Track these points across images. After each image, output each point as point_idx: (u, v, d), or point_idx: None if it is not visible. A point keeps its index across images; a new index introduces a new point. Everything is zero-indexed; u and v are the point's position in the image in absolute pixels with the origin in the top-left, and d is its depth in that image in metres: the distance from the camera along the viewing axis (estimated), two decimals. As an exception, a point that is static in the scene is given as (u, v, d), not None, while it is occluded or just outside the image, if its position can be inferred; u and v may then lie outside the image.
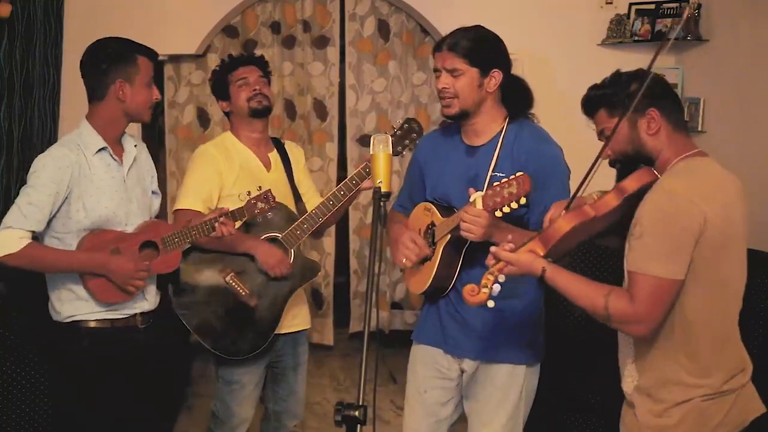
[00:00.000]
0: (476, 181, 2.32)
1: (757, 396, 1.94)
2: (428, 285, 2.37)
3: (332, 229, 4.93)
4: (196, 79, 4.77)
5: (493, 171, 2.30)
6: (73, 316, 2.35)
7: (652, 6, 4.36)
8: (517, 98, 2.38)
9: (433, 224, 2.38)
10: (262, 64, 2.90)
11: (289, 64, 4.79)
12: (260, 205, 2.51)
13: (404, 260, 2.36)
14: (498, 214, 2.08)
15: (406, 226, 2.50)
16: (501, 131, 2.34)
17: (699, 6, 4.14)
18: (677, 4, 4.29)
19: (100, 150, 2.36)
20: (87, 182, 2.31)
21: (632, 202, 1.86)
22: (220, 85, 2.88)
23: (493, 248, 1.91)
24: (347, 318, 5.17)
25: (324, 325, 5.01)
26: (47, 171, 2.26)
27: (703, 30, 4.14)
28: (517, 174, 2.06)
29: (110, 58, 2.34)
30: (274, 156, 2.92)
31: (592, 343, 3.44)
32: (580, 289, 1.86)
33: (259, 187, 2.55)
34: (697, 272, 1.79)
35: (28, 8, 3.75)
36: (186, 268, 2.75)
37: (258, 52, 4.72)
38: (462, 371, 2.44)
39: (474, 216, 2.10)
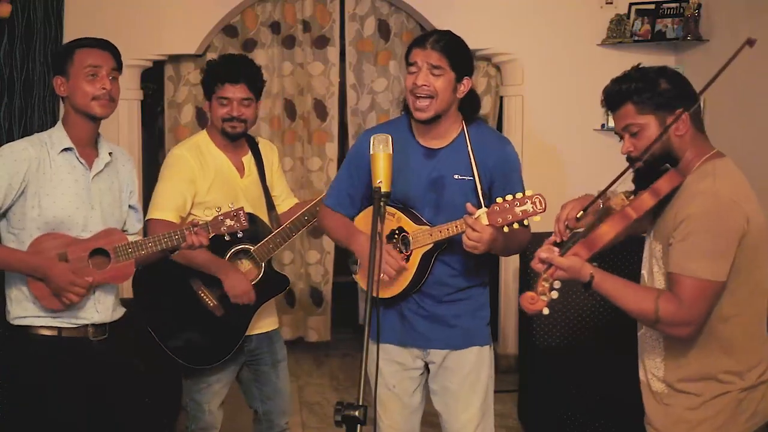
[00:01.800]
0: (440, 184, 2.34)
1: None
2: (401, 291, 2.37)
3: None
4: (195, 79, 4.75)
5: (474, 176, 2.31)
6: (22, 317, 2.30)
7: (652, 6, 4.37)
8: (470, 103, 2.40)
9: (401, 230, 2.36)
10: (252, 81, 2.73)
11: (289, 64, 4.79)
12: (228, 222, 2.41)
13: (384, 276, 2.29)
14: (506, 230, 2.14)
15: (357, 228, 2.43)
16: (462, 134, 2.36)
17: (699, 6, 4.14)
18: (677, 4, 4.30)
19: (65, 150, 2.31)
20: (45, 180, 2.26)
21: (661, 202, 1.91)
22: (206, 86, 2.77)
23: (543, 254, 1.91)
24: (347, 317, 5.20)
25: (322, 323, 5.03)
26: (3, 162, 2.23)
27: (703, 30, 4.15)
28: (529, 193, 2.11)
29: (54, 57, 2.33)
30: (248, 160, 2.84)
31: (594, 343, 3.44)
32: (628, 294, 1.89)
33: (231, 203, 2.45)
34: (737, 272, 1.83)
35: (28, 8, 3.75)
36: (155, 274, 2.70)
37: (258, 52, 4.73)
38: (427, 364, 2.47)
39: (479, 233, 2.13)
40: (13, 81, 3.65)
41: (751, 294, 1.89)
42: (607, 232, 1.89)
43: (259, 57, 4.73)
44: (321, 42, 4.79)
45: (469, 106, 2.39)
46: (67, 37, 4.10)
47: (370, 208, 2.42)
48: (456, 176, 2.33)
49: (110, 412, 2.41)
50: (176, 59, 4.70)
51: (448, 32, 2.35)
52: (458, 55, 2.30)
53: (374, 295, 1.68)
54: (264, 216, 2.82)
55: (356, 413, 1.51)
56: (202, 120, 4.80)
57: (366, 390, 1.57)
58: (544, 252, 1.91)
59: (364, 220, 2.44)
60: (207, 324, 2.72)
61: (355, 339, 5.14)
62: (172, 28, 4.43)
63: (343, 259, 5.07)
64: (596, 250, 1.90)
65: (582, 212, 1.97)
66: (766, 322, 1.96)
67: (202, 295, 2.71)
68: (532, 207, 2.10)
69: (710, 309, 1.85)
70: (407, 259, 2.34)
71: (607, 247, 1.96)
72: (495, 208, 2.12)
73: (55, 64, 2.35)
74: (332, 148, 4.90)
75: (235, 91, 2.69)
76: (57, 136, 2.33)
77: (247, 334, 2.80)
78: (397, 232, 2.38)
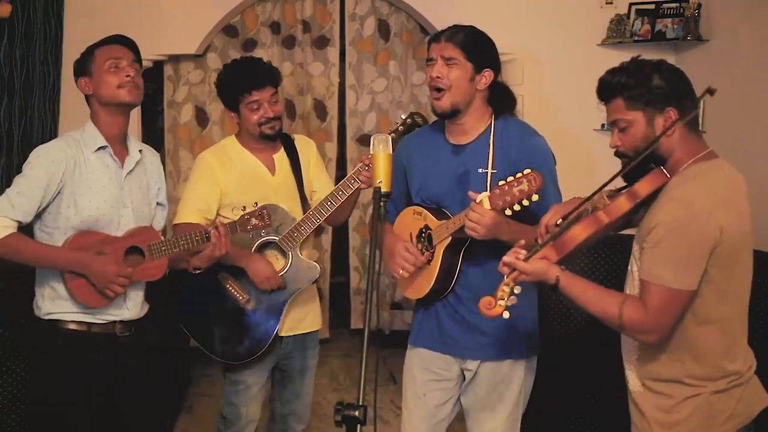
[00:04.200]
0: (466, 179, 2.32)
1: (762, 388, 1.97)
2: (428, 290, 2.36)
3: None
4: (195, 78, 4.77)
5: (491, 168, 2.29)
6: (52, 313, 2.33)
7: (652, 6, 4.36)
8: (502, 99, 2.39)
9: (427, 228, 2.36)
10: (273, 78, 2.76)
11: (289, 64, 4.79)
12: (254, 221, 2.49)
13: (401, 271, 2.34)
14: (508, 212, 2.10)
15: (392, 232, 2.48)
16: (488, 128, 2.35)
17: (699, 6, 4.14)
18: (677, 4, 4.30)
19: (100, 148, 2.36)
20: (81, 180, 2.30)
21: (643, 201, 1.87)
22: (229, 98, 2.76)
23: (506, 258, 1.90)
24: (347, 316, 5.20)
25: (322, 319, 5.03)
26: (41, 163, 2.27)
27: (703, 30, 4.14)
28: (526, 171, 2.07)
29: (76, 63, 2.42)
30: (279, 157, 2.85)
31: (592, 341, 3.44)
32: (593, 297, 1.87)
33: (255, 203, 2.52)
34: (710, 281, 1.80)
35: (28, 8, 3.75)
36: (186, 275, 2.71)
37: (258, 52, 4.74)
38: (463, 371, 2.45)
39: (479, 215, 2.11)
40: (13, 81, 3.65)
41: (724, 301, 1.85)
42: (578, 234, 1.86)
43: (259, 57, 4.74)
44: (321, 42, 4.80)
45: (498, 100, 2.38)
46: (67, 36, 4.11)
47: (404, 212, 2.46)
48: (480, 170, 2.31)
49: (118, 409, 2.43)
50: (176, 59, 4.70)
51: (468, 26, 2.34)
52: (475, 46, 2.29)
53: (373, 294, 1.67)
54: (298, 210, 2.81)
55: (356, 413, 1.51)
56: (201, 119, 4.81)
57: (366, 390, 1.57)
58: (508, 256, 1.89)
59: (399, 224, 2.48)
60: (239, 319, 2.73)
61: (355, 339, 5.14)
62: (172, 28, 4.43)
63: (340, 259, 5.13)
64: (566, 252, 1.87)
65: (561, 220, 1.93)
66: (742, 329, 1.93)
67: (231, 290, 2.73)
68: (528, 185, 2.05)
69: (677, 317, 1.82)
70: (432, 256, 2.34)
71: (580, 249, 1.92)
72: (496, 191, 2.10)
73: (78, 68, 2.41)
74: (332, 148, 4.91)
75: (263, 93, 2.71)
76: (90, 134, 2.37)
77: (284, 334, 2.80)
78: (424, 230, 2.38)
